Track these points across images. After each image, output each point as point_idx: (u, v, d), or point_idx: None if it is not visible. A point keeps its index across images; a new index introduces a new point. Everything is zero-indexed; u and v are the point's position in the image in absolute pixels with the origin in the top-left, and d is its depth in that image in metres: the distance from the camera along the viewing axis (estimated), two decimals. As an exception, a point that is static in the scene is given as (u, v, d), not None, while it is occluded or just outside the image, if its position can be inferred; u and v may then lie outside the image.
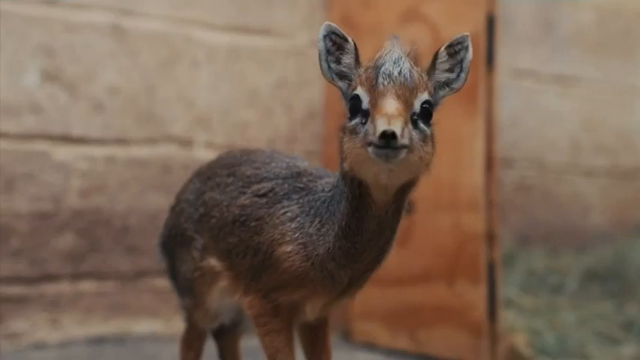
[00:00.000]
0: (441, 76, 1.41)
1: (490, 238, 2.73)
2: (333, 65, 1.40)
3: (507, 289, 3.26)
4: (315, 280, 1.43)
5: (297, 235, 1.44)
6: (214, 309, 1.67)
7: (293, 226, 1.45)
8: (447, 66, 1.40)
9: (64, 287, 3.06)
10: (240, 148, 1.78)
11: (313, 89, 3.60)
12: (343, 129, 1.34)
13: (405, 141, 1.24)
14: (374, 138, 1.23)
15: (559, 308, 3.31)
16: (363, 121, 1.29)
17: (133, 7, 3.21)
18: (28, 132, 3.02)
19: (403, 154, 1.25)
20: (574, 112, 4.63)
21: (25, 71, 3.01)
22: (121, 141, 3.21)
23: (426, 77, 1.37)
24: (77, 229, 3.08)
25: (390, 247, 1.46)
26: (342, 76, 1.40)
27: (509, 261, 3.57)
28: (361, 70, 1.37)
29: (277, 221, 1.46)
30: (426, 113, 1.33)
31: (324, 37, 1.37)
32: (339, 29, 1.38)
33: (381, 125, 1.21)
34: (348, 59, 1.40)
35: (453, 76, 1.41)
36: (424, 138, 1.32)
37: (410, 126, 1.29)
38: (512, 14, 4.25)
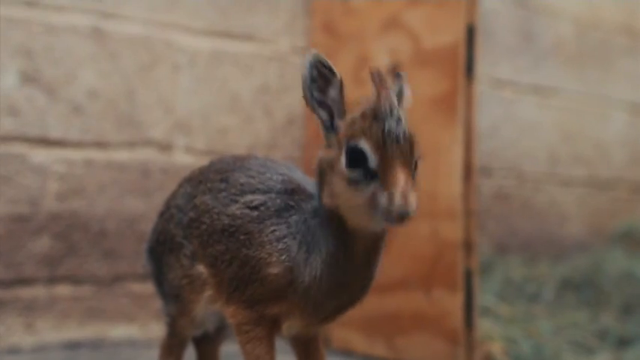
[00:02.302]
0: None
1: (468, 246, 2.75)
2: (316, 94, 1.38)
3: (484, 297, 3.28)
4: (298, 304, 1.44)
5: (283, 257, 1.45)
6: (200, 317, 1.66)
7: (280, 247, 1.45)
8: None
9: (39, 291, 3.03)
10: (231, 154, 1.75)
11: (294, 95, 3.60)
12: (330, 166, 1.37)
13: (415, 208, 1.31)
14: (390, 212, 1.30)
15: (535, 317, 3.34)
16: (368, 178, 1.31)
17: (113, 10, 3.20)
18: (6, 134, 3.00)
19: None
20: (552, 122, 4.69)
21: (3, 73, 2.99)
22: (100, 144, 3.19)
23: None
24: (54, 232, 3.06)
25: (375, 274, 1.47)
26: (323, 105, 1.41)
27: (486, 269, 3.59)
28: (355, 117, 1.40)
29: (265, 239, 1.46)
30: (416, 169, 1.41)
31: (311, 65, 1.36)
32: (328, 61, 1.39)
33: (400, 205, 1.30)
34: (332, 92, 1.41)
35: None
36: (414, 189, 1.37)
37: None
38: (492, 25, 4.30)
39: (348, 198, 1.34)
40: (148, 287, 3.22)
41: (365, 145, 1.34)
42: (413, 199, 1.29)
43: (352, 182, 1.33)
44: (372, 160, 1.33)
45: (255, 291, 1.46)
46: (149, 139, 3.28)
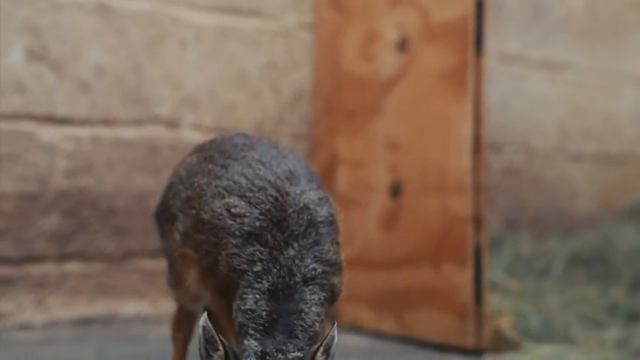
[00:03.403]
0: None
1: (477, 221, 2.73)
2: (211, 353, 1.33)
3: (493, 272, 3.27)
4: None
5: (231, 276, 1.43)
6: (194, 291, 1.66)
7: (233, 275, 1.41)
8: None
9: (49, 268, 3.04)
10: (247, 133, 1.69)
11: (301, 71, 3.58)
12: None
13: None
14: None
15: (544, 292, 3.33)
16: None
17: (119, -14, 3.17)
18: (13, 112, 2.99)
19: None
20: (562, 97, 4.64)
21: (9, 50, 2.97)
22: (108, 121, 3.18)
23: None
24: (63, 209, 3.06)
25: None
26: None
27: (495, 245, 3.58)
28: None
29: (225, 254, 1.43)
30: None
31: (203, 328, 1.32)
32: (213, 331, 1.33)
33: None
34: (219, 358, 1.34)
35: None
36: None
37: None
38: (501, -1, 4.24)
39: None
40: (158, 264, 3.23)
41: None
42: None
43: None
44: None
45: (224, 287, 1.46)
46: (156, 116, 3.27)
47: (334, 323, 1.34)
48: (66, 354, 2.60)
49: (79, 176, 3.10)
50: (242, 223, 1.41)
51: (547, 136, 4.56)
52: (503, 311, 2.92)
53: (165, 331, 3.06)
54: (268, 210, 1.41)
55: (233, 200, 1.44)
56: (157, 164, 3.24)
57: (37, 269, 3.02)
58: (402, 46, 3.04)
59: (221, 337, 1.34)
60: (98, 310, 3.13)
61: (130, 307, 3.20)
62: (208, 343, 1.33)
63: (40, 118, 3.04)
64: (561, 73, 4.64)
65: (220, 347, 1.32)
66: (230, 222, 1.42)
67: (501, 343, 2.72)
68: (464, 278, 2.73)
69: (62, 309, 3.05)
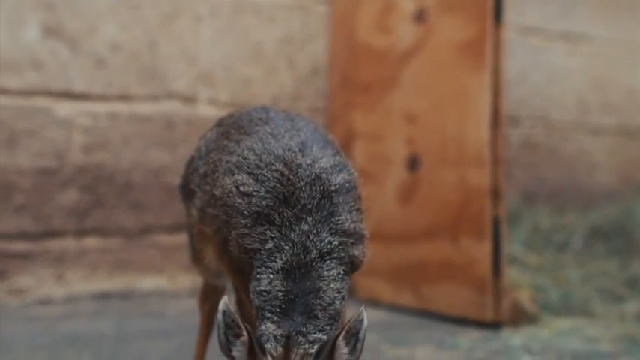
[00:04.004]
0: (339, 357, 1.27)
1: (495, 194, 2.71)
2: (231, 339, 1.27)
3: (511, 246, 3.25)
4: None
5: (242, 256, 1.38)
6: (214, 267, 1.65)
7: (245, 257, 1.37)
8: (345, 350, 1.26)
9: (68, 243, 3.06)
10: (264, 106, 1.65)
11: (317, 45, 3.55)
12: None
13: None
14: None
15: (563, 265, 3.31)
16: None
17: (133, -40, 3.15)
18: (30, 88, 3.00)
19: None
20: (581, 70, 4.58)
21: (25, 26, 2.97)
22: (124, 97, 3.18)
23: None
24: (81, 185, 3.08)
25: None
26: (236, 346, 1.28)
27: (513, 219, 3.55)
28: None
29: (235, 234, 1.39)
30: None
31: (223, 312, 1.26)
32: (235, 315, 1.26)
33: None
34: (238, 351, 1.28)
35: (349, 348, 1.27)
36: None
37: None
38: (520, -31, 4.17)
39: None
40: (176, 239, 3.25)
41: None
42: None
43: None
44: None
45: (238, 265, 1.42)
46: (172, 92, 3.27)
47: (362, 306, 1.28)
48: (85, 328, 2.63)
49: (96, 152, 3.11)
50: (250, 203, 1.37)
51: (566, 110, 4.51)
52: (521, 284, 2.90)
53: (184, 305, 3.10)
54: (274, 187, 1.36)
55: (242, 178, 1.41)
56: (174, 139, 3.24)
57: (56, 244, 3.04)
58: (419, 17, 3.00)
59: (244, 323, 1.26)
60: (117, 285, 3.15)
61: (149, 282, 3.22)
62: (229, 328, 1.26)
63: (56, 93, 3.05)
64: (581, 45, 4.57)
65: (244, 332, 1.25)
66: (239, 201, 1.39)
67: (520, 317, 2.71)
68: (482, 251, 2.71)
69: (81, 283, 3.08)
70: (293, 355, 1.22)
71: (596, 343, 2.48)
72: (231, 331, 1.26)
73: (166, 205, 3.20)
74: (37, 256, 3.00)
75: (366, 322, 1.27)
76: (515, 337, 2.53)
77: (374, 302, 3.03)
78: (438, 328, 2.71)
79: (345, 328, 1.25)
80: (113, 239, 3.15)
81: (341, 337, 1.24)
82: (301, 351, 1.24)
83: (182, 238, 3.18)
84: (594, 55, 4.63)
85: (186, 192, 1.68)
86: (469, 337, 2.56)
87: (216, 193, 1.47)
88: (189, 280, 3.22)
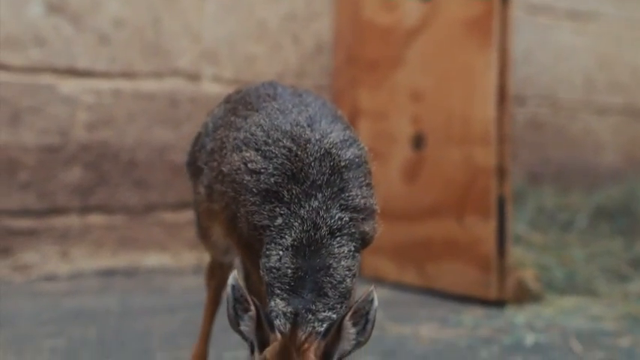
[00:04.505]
0: (348, 336, 1.25)
1: (501, 172, 2.70)
2: (240, 313, 1.26)
3: (516, 225, 3.24)
4: None
5: (252, 233, 1.37)
6: (221, 244, 1.65)
7: (255, 234, 1.35)
8: (352, 330, 1.24)
9: (73, 220, 3.07)
10: (272, 81, 1.62)
11: (322, 22, 3.52)
12: None
13: None
14: None
15: (568, 245, 3.31)
16: None
17: None
18: (34, 65, 2.98)
19: None
20: (589, 48, 4.54)
21: (28, 2, 2.95)
22: (128, 74, 3.16)
23: None
24: (85, 162, 3.07)
25: None
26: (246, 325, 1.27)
27: (518, 198, 3.54)
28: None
29: (244, 211, 1.37)
30: None
31: (232, 287, 1.24)
32: (244, 290, 1.24)
33: None
34: (247, 326, 1.26)
35: (358, 328, 1.25)
36: None
37: None
38: (528, -54, 4.13)
39: None
40: (180, 217, 3.25)
41: None
42: None
43: None
44: None
45: (247, 241, 1.41)
46: (176, 69, 3.25)
47: (372, 286, 1.25)
48: (90, 304, 2.64)
49: (100, 129, 3.10)
50: (258, 181, 1.35)
51: (573, 89, 4.48)
52: (526, 263, 2.90)
53: (188, 282, 3.11)
54: (282, 164, 1.34)
55: (250, 154, 1.39)
56: (178, 117, 3.23)
57: (60, 221, 3.04)
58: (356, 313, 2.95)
59: (253, 298, 1.24)
60: (121, 262, 3.16)
61: (153, 259, 3.22)
62: (238, 302, 1.24)
63: (60, 70, 3.03)
64: (589, 23, 4.53)
65: (252, 307, 1.23)
66: (247, 178, 1.37)
67: (524, 295, 2.71)
68: (487, 230, 2.71)
69: (86, 260, 3.09)
70: (301, 333, 1.21)
71: (600, 321, 2.49)
72: (240, 305, 1.25)
73: (170, 182, 3.20)
74: (42, 233, 3.00)
75: (376, 303, 1.24)
76: (519, 316, 2.53)
77: (378, 280, 3.03)
78: (441, 306, 2.72)
79: (353, 309, 1.23)
80: (117, 217, 3.15)
81: (348, 317, 1.22)
82: (309, 329, 1.22)
83: (186, 215, 3.19)
84: (602, 34, 4.58)
85: (194, 169, 1.67)
86: (473, 315, 2.56)
87: (224, 169, 1.45)
88: (194, 258, 3.23)
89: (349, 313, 1.22)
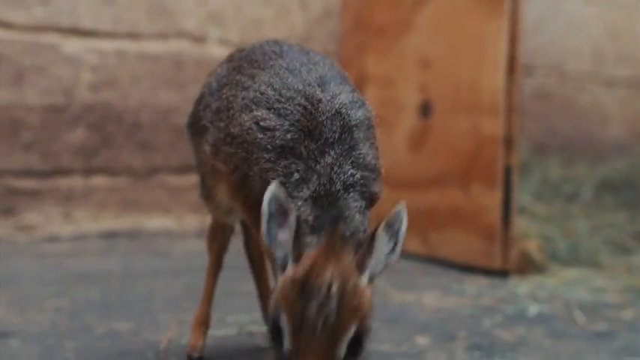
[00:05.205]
0: (378, 253, 1.24)
1: (508, 142, 2.68)
2: (274, 230, 1.25)
3: (521, 196, 3.23)
4: None
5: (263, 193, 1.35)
6: (226, 204, 1.64)
7: (265, 190, 1.32)
8: (386, 240, 1.24)
9: (76, 182, 3.05)
10: (276, 40, 1.61)
11: (330, -14, 3.47)
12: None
13: None
14: None
15: (572, 217, 3.30)
16: (282, 353, 1.19)
17: None
18: (37, 23, 2.94)
19: None
20: (599, 19, 4.48)
21: (32, -41, 2.91)
22: (132, 35, 3.12)
23: (359, 299, 1.20)
24: (89, 123, 3.05)
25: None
26: (280, 243, 1.25)
27: (523, 169, 3.53)
28: (289, 280, 1.20)
29: (257, 169, 1.38)
30: (356, 346, 1.20)
31: (270, 200, 1.23)
32: (284, 199, 1.23)
33: None
34: (284, 236, 1.25)
35: (388, 249, 1.24)
36: None
37: None
38: None
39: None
40: (183, 180, 3.23)
41: (284, 323, 1.19)
42: None
43: (273, 346, 1.22)
44: (287, 344, 1.19)
45: (252, 199, 1.42)
46: (182, 31, 3.21)
47: (402, 203, 1.25)
48: (93, 266, 2.64)
49: (104, 90, 3.07)
50: (273, 137, 1.36)
51: (581, 60, 4.43)
52: (530, 234, 2.89)
53: (190, 245, 3.10)
54: (298, 120, 1.35)
55: (261, 113, 1.39)
56: (183, 79, 3.20)
57: (63, 182, 3.03)
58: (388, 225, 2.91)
59: (292, 206, 1.24)
60: (124, 225, 3.15)
61: (156, 222, 3.22)
62: (272, 217, 1.23)
63: (64, 29, 2.99)
64: (600, -7, 4.47)
65: (291, 215, 1.22)
66: (260, 136, 1.37)
67: (528, 266, 2.70)
68: (492, 199, 2.69)
69: (89, 222, 3.08)
70: (340, 232, 1.23)
71: (603, 294, 2.48)
72: (274, 220, 1.25)
73: (175, 145, 3.18)
74: (45, 194, 2.99)
75: (405, 222, 1.26)
76: (522, 286, 2.53)
77: (381, 248, 3.03)
78: (444, 274, 2.72)
79: (385, 221, 1.23)
80: (121, 179, 3.14)
81: (381, 229, 1.22)
82: (347, 233, 1.24)
83: (190, 179, 3.18)
84: (612, 4, 4.52)
85: (197, 128, 1.65)
86: (476, 284, 2.56)
87: (233, 131, 1.44)
88: (197, 221, 3.22)
89: (382, 225, 1.23)
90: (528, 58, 3.99)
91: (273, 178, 1.33)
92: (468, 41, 2.79)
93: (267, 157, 1.36)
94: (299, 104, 1.37)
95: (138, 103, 3.14)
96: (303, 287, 1.18)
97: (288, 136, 1.35)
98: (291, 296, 1.19)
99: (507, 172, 2.68)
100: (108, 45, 3.08)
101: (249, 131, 1.40)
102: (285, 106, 1.38)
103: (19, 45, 2.92)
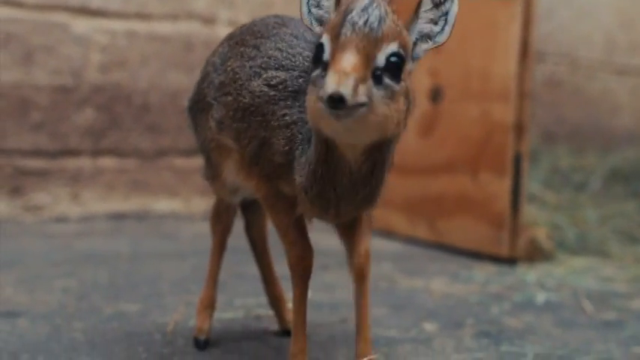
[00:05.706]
0: (424, 26, 1.30)
1: (519, 129, 2.66)
2: (313, 10, 1.28)
3: (530, 184, 3.22)
4: (299, 197, 1.40)
5: (287, 148, 1.39)
6: (231, 182, 1.64)
7: (287, 134, 1.39)
8: (430, 16, 1.29)
9: (84, 163, 3.05)
10: (276, 14, 1.66)
11: (342, -31, 3.44)
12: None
13: (361, 99, 1.15)
14: (321, 96, 1.17)
15: (581, 205, 3.28)
16: (323, 74, 1.20)
17: None
18: (46, 2, 2.93)
19: (358, 113, 1.17)
20: (611, 7, 4.43)
21: (42, -63, 2.89)
22: (142, 16, 3.11)
23: (401, 27, 1.25)
24: (97, 104, 3.04)
25: (380, 185, 1.34)
26: (321, 21, 1.29)
27: (533, 157, 3.50)
28: (333, 15, 1.26)
29: (276, 124, 1.41)
30: (395, 67, 1.20)
31: None
32: None
33: (330, 85, 1.14)
34: (328, 3, 1.29)
35: (437, 28, 1.29)
36: (391, 95, 1.20)
37: (371, 82, 1.18)
38: None
39: (309, 101, 1.23)
40: (191, 162, 3.23)
41: (325, 39, 1.21)
42: (350, 82, 1.13)
43: (313, 82, 1.22)
44: (327, 51, 1.20)
45: (270, 169, 1.44)
46: (192, 12, 3.19)
47: None
48: (101, 247, 2.64)
49: (113, 71, 3.06)
50: (285, 87, 1.40)
51: (593, 48, 4.39)
52: (539, 222, 2.88)
53: (197, 228, 3.10)
54: (307, 68, 1.36)
55: (270, 74, 1.43)
56: (192, 61, 3.18)
57: (72, 163, 3.03)
58: None
59: None
60: (132, 206, 3.15)
61: (163, 204, 3.22)
62: None
63: (73, 9, 2.98)
64: (613, -20, 4.42)
65: None
66: (273, 93, 1.40)
67: (536, 254, 2.69)
68: (501, 187, 2.68)
69: (97, 203, 3.08)
70: None
71: (611, 283, 2.48)
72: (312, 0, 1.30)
73: (182, 128, 3.17)
74: (53, 174, 2.99)
75: (457, 4, 1.29)
76: (530, 274, 2.52)
77: (388, 234, 3.03)
78: (453, 261, 2.71)
79: None
80: (129, 160, 3.14)
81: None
82: None
83: (198, 161, 3.16)
84: (625, -8, 4.48)
85: (201, 105, 1.65)
86: (484, 271, 2.55)
87: (244, 101, 1.46)
88: (204, 204, 3.22)
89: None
90: (539, 45, 3.95)
91: (291, 117, 1.36)
92: (481, 26, 2.77)
93: (284, 104, 1.39)
94: (307, 57, 1.41)
95: (147, 85, 3.13)
96: (347, 6, 1.21)
97: (300, 80, 1.39)
98: (337, 18, 1.21)
99: (517, 160, 2.66)
100: (117, 25, 3.06)
101: (261, 94, 1.43)
102: (292, 61, 1.43)
103: (29, 23, 2.90)
